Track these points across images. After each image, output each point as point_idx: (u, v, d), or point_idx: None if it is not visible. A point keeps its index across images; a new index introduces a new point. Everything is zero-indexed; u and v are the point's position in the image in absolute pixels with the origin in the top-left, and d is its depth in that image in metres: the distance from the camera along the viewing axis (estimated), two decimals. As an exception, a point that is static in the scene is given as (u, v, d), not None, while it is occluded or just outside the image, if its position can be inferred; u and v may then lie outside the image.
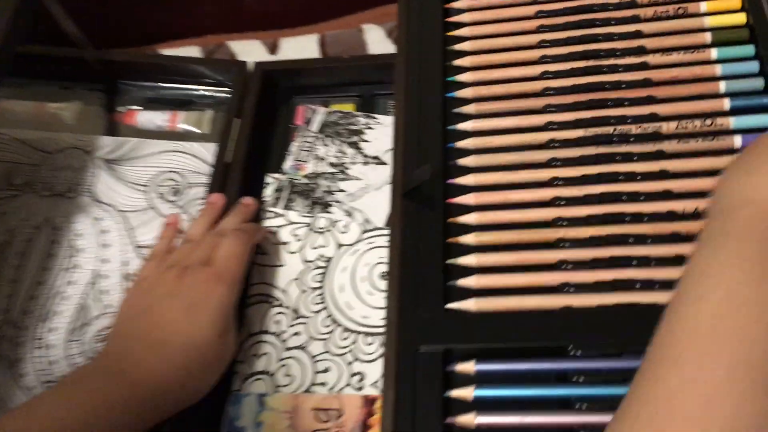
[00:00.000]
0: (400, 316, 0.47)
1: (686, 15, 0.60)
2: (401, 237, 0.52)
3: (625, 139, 0.54)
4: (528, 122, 0.57)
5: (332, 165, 0.67)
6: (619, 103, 0.56)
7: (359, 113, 0.70)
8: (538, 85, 0.58)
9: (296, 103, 0.72)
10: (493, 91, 0.59)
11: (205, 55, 0.79)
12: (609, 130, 0.54)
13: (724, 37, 0.59)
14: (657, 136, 0.54)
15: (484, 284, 0.49)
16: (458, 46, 0.62)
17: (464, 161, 0.56)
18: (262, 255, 0.62)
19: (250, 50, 0.79)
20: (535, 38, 0.61)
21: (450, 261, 0.50)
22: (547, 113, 0.57)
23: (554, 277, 0.48)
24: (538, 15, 0.62)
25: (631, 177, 0.52)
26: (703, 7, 0.61)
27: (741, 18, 0.60)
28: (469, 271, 0.49)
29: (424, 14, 0.63)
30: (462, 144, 0.57)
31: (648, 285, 0.47)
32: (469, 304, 0.48)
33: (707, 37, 0.59)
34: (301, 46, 0.80)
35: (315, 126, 0.70)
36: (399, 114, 0.59)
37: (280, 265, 0.62)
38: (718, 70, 0.57)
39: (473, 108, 0.58)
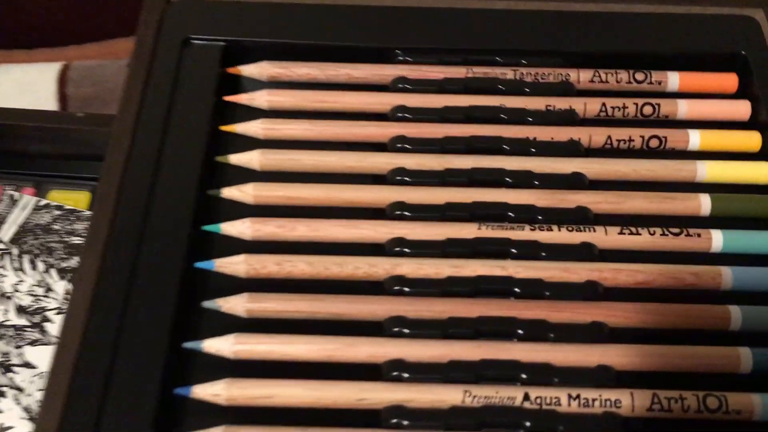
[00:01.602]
0: None
1: (660, 151, 0.33)
2: None
3: None
4: (350, 353, 0.27)
5: (25, 313, 0.39)
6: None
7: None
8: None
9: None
10: (288, 272, 0.29)
11: None
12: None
13: (734, 208, 0.31)
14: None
15: None
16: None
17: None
18: None
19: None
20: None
21: None
22: (393, 337, 0.28)
23: None
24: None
25: None
26: (694, 139, 0.33)
27: (764, 170, 0.32)
28: None
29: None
30: (205, 394, 0.26)
31: None
32: None
33: (703, 203, 0.31)
34: (29, 80, 0.48)
35: (7, 231, 0.37)
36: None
37: None
38: (727, 278, 0.29)
39: (243, 305, 0.28)
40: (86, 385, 0.26)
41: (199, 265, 0.29)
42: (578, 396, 0.26)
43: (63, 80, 0.55)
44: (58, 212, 0.48)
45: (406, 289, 0.29)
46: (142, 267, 0.28)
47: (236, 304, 0.28)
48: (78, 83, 0.55)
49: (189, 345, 0.27)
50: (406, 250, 0.30)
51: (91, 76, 0.56)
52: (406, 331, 0.28)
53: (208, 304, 0.28)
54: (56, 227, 0.45)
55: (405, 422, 0.26)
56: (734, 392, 0.27)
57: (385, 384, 0.27)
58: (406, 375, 0.27)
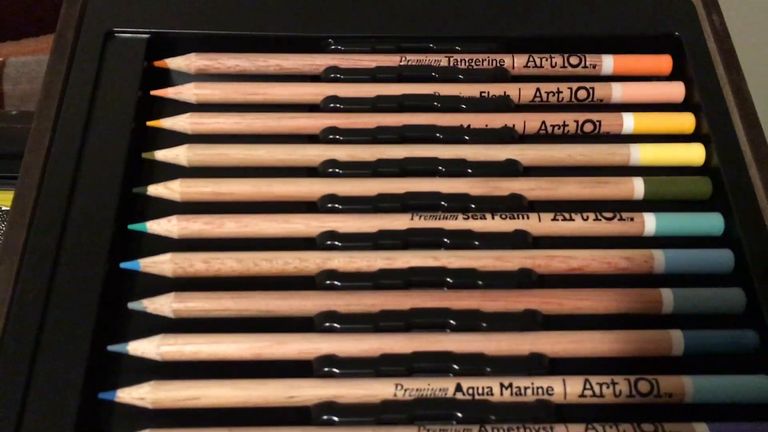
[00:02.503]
0: None
1: (595, 135, 0.32)
2: None
3: None
4: (280, 351, 0.27)
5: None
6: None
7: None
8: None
9: None
10: (217, 270, 0.28)
11: None
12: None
13: (667, 190, 0.31)
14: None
15: None
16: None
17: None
18: None
19: None
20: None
21: None
22: (324, 332, 0.27)
23: None
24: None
25: None
26: (628, 123, 0.33)
27: (697, 152, 0.32)
28: None
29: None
30: (131, 398, 0.26)
31: None
32: None
33: (636, 186, 0.31)
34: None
35: None
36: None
37: None
38: (659, 261, 0.29)
39: (170, 305, 0.27)
40: (5, 389, 0.25)
41: (125, 265, 0.28)
42: (510, 385, 0.26)
43: (-1, 76, 0.53)
44: (-4, 213, 0.47)
45: (338, 283, 0.28)
46: (63, 268, 0.28)
47: (163, 305, 0.27)
48: (15, 80, 0.54)
49: (113, 348, 0.27)
50: (338, 243, 0.29)
51: (29, 72, 0.54)
52: (337, 326, 0.27)
53: (133, 305, 0.27)
54: (-7, 229, 0.44)
55: (336, 418, 0.25)
56: (666, 375, 0.27)
57: (315, 380, 0.26)
58: (337, 371, 0.26)
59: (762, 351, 0.28)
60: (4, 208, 0.46)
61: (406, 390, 0.26)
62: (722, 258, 0.29)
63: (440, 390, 0.26)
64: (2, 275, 0.27)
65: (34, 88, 0.53)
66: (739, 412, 0.26)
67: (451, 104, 0.33)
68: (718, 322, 0.28)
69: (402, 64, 0.34)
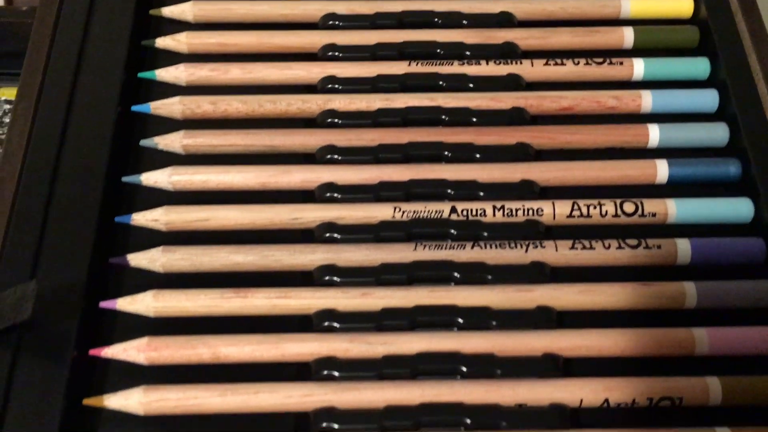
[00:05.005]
0: None
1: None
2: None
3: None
4: (284, 180, 0.28)
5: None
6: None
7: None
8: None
9: None
10: (224, 110, 0.30)
11: None
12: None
13: (655, 38, 0.32)
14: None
15: None
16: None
17: (142, 258, 0.26)
18: None
19: None
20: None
21: None
22: (325, 164, 0.29)
23: None
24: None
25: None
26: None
27: (686, 4, 0.33)
28: None
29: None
30: (145, 220, 0.27)
31: None
32: None
33: (626, 35, 0.32)
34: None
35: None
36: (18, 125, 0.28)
37: None
38: (646, 100, 0.30)
39: (180, 141, 0.29)
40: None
41: (136, 108, 0.30)
42: (502, 207, 0.28)
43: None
44: (7, 106, 0.48)
45: (338, 121, 0.30)
46: (69, 141, 0.28)
47: (172, 140, 0.29)
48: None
49: (128, 179, 0.28)
50: (338, 86, 0.30)
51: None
52: (338, 157, 0.29)
53: (145, 142, 0.29)
54: (7, 120, 0.46)
55: (337, 236, 0.27)
56: (650, 198, 0.28)
57: (318, 204, 0.28)
58: (338, 196, 0.28)
59: (743, 178, 0.29)
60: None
61: (403, 212, 0.27)
62: (710, 99, 0.30)
63: (436, 212, 0.27)
64: (7, 175, 0.28)
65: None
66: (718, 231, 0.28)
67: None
68: (703, 152, 0.30)
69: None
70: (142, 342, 0.24)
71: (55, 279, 0.25)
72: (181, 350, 0.25)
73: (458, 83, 0.31)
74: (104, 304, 0.25)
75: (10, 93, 0.49)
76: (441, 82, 0.31)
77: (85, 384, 0.25)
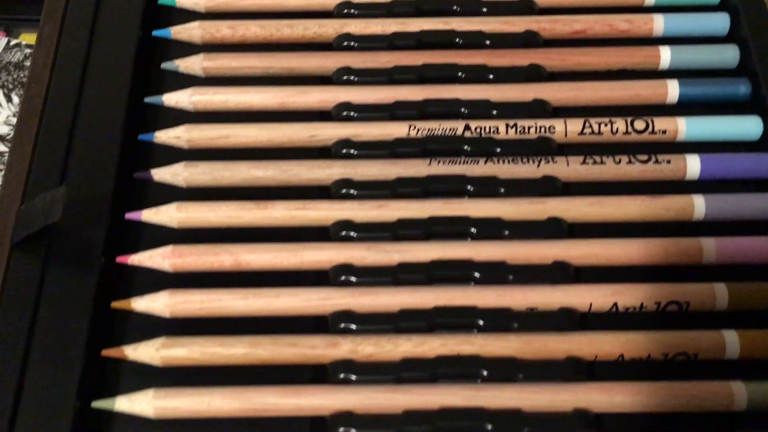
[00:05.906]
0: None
1: None
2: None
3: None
4: (302, 100, 0.29)
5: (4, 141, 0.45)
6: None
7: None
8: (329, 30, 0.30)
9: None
10: (242, 35, 0.30)
11: None
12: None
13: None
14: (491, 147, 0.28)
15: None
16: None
17: (165, 172, 0.27)
18: None
19: None
20: None
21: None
22: (342, 85, 0.29)
23: None
24: None
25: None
26: None
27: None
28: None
29: None
30: (167, 137, 0.28)
31: None
32: None
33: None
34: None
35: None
36: (37, 71, 0.29)
37: None
38: (658, 23, 0.30)
39: (200, 63, 0.29)
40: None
41: (157, 33, 0.30)
42: (515, 125, 0.28)
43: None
44: (29, 50, 0.49)
45: (354, 44, 0.30)
46: (93, 63, 0.29)
47: (193, 63, 0.30)
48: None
49: (150, 99, 0.29)
50: (354, 11, 0.31)
51: None
52: (354, 78, 0.29)
53: (166, 65, 0.30)
54: (28, 64, 0.47)
55: (353, 151, 0.28)
56: (660, 117, 0.29)
57: (335, 123, 0.29)
58: (354, 114, 0.29)
59: (753, 98, 0.29)
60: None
61: (418, 129, 0.28)
62: (721, 22, 0.31)
63: (450, 129, 0.28)
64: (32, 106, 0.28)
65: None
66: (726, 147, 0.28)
67: None
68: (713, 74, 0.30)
69: None
70: (167, 249, 0.25)
71: (83, 189, 0.26)
72: (204, 257, 0.25)
73: (472, 7, 0.31)
74: (130, 215, 0.26)
75: (30, 38, 0.49)
76: (455, 7, 0.31)
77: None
